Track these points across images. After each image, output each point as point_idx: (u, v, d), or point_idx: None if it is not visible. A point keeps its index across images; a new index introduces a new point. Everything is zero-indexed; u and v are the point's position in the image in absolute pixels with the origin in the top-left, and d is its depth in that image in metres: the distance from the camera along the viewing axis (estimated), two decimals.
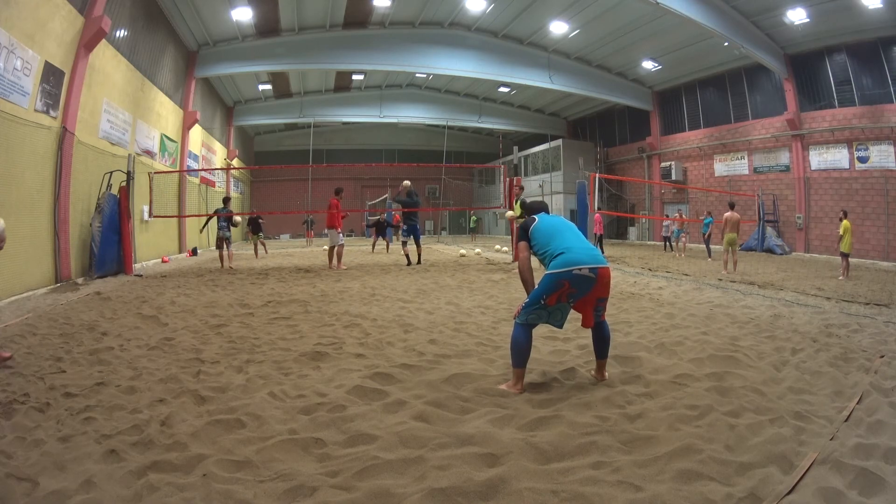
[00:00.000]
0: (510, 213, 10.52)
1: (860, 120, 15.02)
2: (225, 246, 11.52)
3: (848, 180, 15.52)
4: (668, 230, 17.69)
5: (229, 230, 11.68)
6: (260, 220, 15.66)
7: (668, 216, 19.81)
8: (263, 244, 15.61)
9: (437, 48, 18.66)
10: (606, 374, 3.45)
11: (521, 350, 3.19)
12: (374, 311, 5.97)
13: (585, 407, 2.92)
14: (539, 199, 3.92)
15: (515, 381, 3.20)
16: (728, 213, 11.45)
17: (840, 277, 9.89)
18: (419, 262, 11.46)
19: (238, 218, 12.68)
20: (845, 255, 10.19)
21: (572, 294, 3.14)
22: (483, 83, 23.68)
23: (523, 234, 3.44)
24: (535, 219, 3.50)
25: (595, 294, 3.21)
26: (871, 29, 14.14)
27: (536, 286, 3.22)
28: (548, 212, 3.70)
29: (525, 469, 2.19)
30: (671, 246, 17.45)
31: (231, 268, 11.09)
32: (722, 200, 18.60)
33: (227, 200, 12.51)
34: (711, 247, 15.47)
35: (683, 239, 16.77)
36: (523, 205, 3.77)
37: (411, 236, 11.34)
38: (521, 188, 11.11)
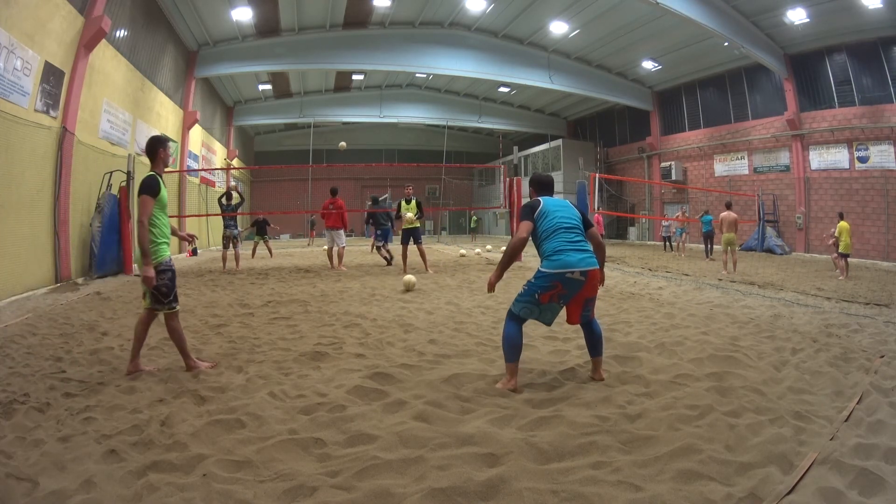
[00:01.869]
0: (410, 215, 10.11)
1: (860, 120, 15.02)
2: (232, 245, 10.90)
3: (848, 180, 15.52)
4: (669, 230, 17.66)
5: (237, 227, 11.07)
6: (266, 224, 15.27)
7: (666, 216, 19.77)
8: (268, 247, 15.46)
9: (437, 48, 18.66)
10: (604, 373, 3.47)
11: (513, 344, 3.25)
12: (374, 311, 5.97)
13: (585, 407, 2.92)
14: (547, 174, 3.78)
15: (510, 377, 3.24)
16: (724, 213, 11.42)
17: (840, 277, 9.90)
18: (389, 262, 11.72)
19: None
20: (844, 256, 10.19)
21: (563, 295, 3.23)
22: (483, 83, 23.68)
23: (529, 212, 3.35)
24: (539, 202, 3.41)
25: (583, 294, 3.27)
26: (871, 29, 14.13)
27: (532, 279, 3.27)
28: (552, 191, 3.62)
29: (525, 469, 2.19)
30: (671, 246, 17.43)
31: (236, 269, 10.68)
32: (722, 200, 18.58)
33: (230, 195, 11.31)
34: (712, 246, 15.42)
35: (683, 238, 16.76)
36: (531, 181, 3.67)
37: (384, 241, 12.09)
38: (410, 188, 10.97)
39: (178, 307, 3.66)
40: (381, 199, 16.65)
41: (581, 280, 3.19)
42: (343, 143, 14.13)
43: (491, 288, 3.36)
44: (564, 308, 3.33)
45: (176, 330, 3.63)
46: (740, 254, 16.51)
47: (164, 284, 3.56)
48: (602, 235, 16.20)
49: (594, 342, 3.42)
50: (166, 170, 3.89)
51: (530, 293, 3.23)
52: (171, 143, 3.89)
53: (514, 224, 13.10)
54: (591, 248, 3.36)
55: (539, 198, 3.48)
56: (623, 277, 9.36)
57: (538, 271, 3.26)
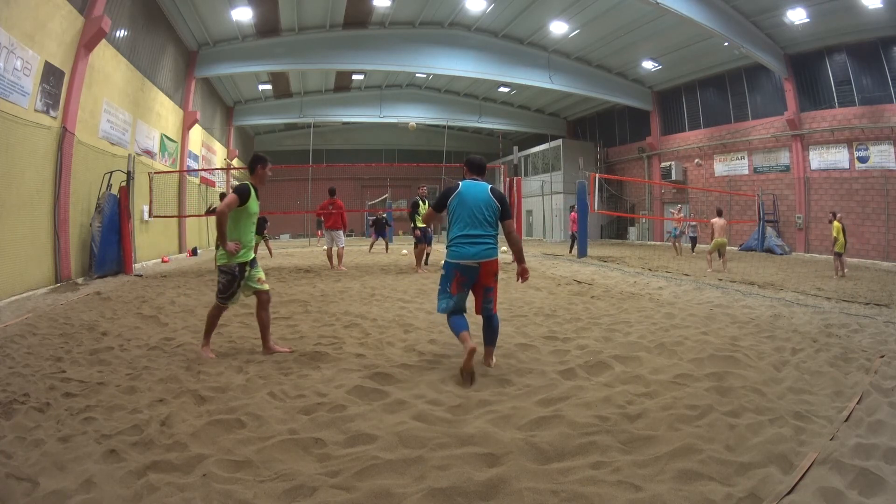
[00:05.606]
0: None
1: (860, 120, 15.01)
2: None
3: (848, 180, 15.52)
4: (695, 231, 17.37)
5: None
6: (265, 222, 15.22)
7: (686, 217, 19.46)
8: (268, 246, 15.34)
9: (437, 48, 18.64)
10: (493, 360, 3.73)
11: (455, 328, 3.62)
12: (374, 311, 5.97)
13: (585, 407, 2.92)
14: (479, 157, 4.03)
15: (465, 343, 3.49)
16: (715, 219, 11.53)
17: (835, 277, 9.94)
18: (426, 263, 11.32)
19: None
20: (839, 255, 10.25)
21: (464, 282, 3.67)
22: (483, 83, 23.66)
23: (441, 201, 3.77)
24: (457, 186, 3.75)
25: (481, 282, 3.67)
26: (871, 29, 14.12)
27: (442, 273, 3.74)
28: (483, 172, 3.91)
29: (525, 469, 2.19)
30: (693, 246, 17.09)
31: None
32: (721, 200, 18.59)
33: (223, 197, 11.95)
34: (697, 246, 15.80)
35: (679, 237, 16.73)
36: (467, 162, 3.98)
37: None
38: (423, 188, 10.97)
39: (228, 305, 4.13)
40: (380, 199, 16.67)
41: (476, 267, 3.61)
42: (413, 124, 14.14)
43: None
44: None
45: (212, 316, 4.10)
46: (739, 253, 16.53)
47: (222, 283, 4.02)
48: (575, 233, 16.21)
49: (489, 333, 3.76)
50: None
51: (444, 287, 3.71)
52: (268, 164, 4.23)
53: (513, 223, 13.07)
54: (491, 240, 3.66)
55: (460, 182, 3.79)
56: (623, 277, 9.36)
57: (444, 262, 3.73)
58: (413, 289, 7.73)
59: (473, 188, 3.73)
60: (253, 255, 4.16)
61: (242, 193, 3.93)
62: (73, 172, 8.71)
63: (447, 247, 3.72)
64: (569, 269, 11.02)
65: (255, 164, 4.12)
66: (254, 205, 4.04)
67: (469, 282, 3.67)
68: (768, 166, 18.04)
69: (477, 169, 3.90)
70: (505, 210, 3.74)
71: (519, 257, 3.79)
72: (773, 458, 2.27)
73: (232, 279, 4.01)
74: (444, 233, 3.94)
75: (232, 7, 15.14)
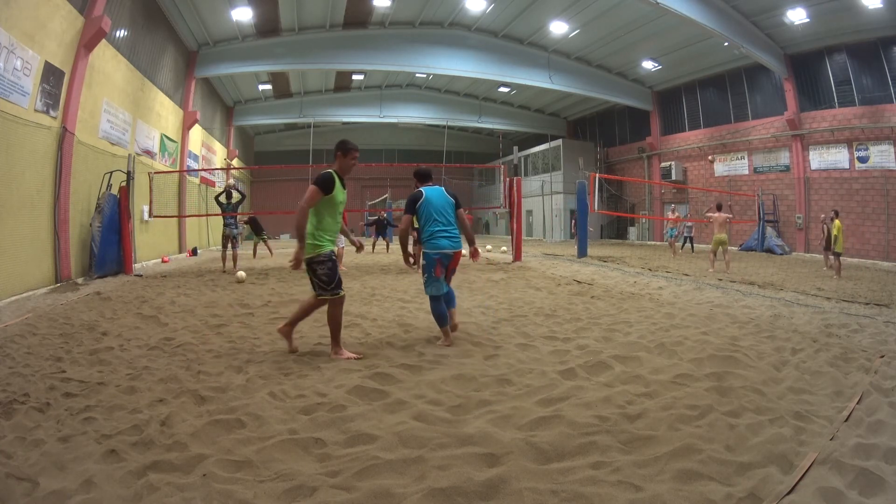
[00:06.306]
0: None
1: (860, 120, 15.01)
2: (231, 245, 10.70)
3: (848, 180, 15.52)
4: (691, 231, 17.29)
5: (237, 227, 10.85)
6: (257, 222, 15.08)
7: (683, 217, 19.37)
8: (268, 246, 15.13)
9: (437, 48, 18.66)
10: (457, 322, 4.47)
11: (439, 314, 4.36)
12: (374, 311, 5.98)
13: (585, 407, 2.91)
14: (424, 168, 4.82)
15: (445, 337, 4.34)
16: (716, 214, 11.30)
17: (835, 277, 9.94)
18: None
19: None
20: (838, 255, 10.24)
21: (443, 266, 4.35)
22: (483, 83, 23.67)
23: (410, 206, 4.40)
24: (421, 193, 4.41)
25: (451, 266, 4.43)
26: (871, 29, 14.13)
27: (424, 263, 4.35)
28: (431, 178, 4.62)
29: (525, 469, 2.19)
30: (692, 247, 17.06)
31: (233, 269, 10.34)
32: (721, 200, 18.48)
33: (229, 194, 10.92)
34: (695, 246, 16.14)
35: (676, 237, 16.70)
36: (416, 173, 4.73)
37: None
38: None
39: (342, 293, 3.99)
40: (380, 199, 16.69)
41: (451, 255, 4.35)
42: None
43: (406, 263, 4.70)
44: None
45: (334, 316, 3.95)
46: (739, 253, 16.53)
47: (324, 273, 3.90)
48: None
49: (449, 298, 4.47)
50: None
51: (430, 274, 4.32)
52: (356, 153, 4.01)
53: (513, 223, 13.14)
54: (457, 233, 4.40)
55: (421, 189, 4.45)
56: (623, 277, 9.36)
57: (425, 254, 4.35)
58: (413, 289, 7.73)
59: (435, 192, 4.46)
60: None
61: (325, 183, 3.72)
62: (73, 172, 8.71)
63: (425, 241, 4.33)
64: (569, 269, 11.02)
65: (335, 150, 3.97)
66: (340, 194, 3.86)
67: (445, 266, 4.37)
68: (768, 166, 18.05)
69: (427, 178, 4.61)
70: (458, 203, 4.54)
71: (470, 240, 4.59)
72: (773, 458, 2.27)
73: (333, 265, 3.89)
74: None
75: (232, 7, 15.15)
